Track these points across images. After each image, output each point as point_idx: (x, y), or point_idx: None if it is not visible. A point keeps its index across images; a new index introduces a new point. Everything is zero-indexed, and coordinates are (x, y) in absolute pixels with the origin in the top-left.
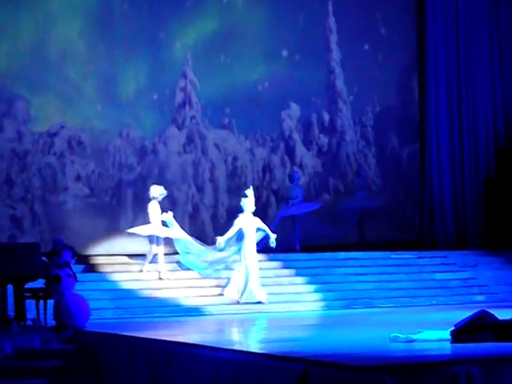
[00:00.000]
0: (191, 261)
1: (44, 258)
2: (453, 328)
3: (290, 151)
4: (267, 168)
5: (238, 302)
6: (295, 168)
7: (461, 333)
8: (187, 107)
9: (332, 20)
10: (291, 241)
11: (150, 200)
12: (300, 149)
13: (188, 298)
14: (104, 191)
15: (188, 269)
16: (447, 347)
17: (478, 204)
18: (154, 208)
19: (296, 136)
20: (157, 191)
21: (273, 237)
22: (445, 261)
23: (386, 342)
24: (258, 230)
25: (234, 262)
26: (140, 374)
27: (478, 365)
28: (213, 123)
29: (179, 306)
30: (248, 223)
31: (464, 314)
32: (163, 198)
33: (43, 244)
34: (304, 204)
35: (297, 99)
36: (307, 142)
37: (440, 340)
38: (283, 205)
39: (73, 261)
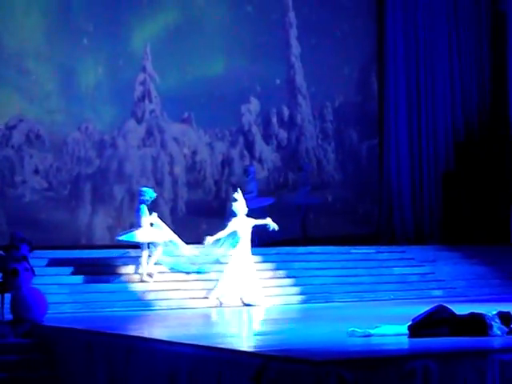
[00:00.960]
0: (177, 263)
1: (1, 252)
2: (410, 323)
3: (249, 146)
4: (226, 162)
5: (220, 305)
6: (253, 162)
7: (418, 327)
8: (146, 101)
9: (292, 15)
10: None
11: (140, 203)
12: (259, 143)
13: (148, 293)
14: (62, 185)
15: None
16: (405, 342)
17: (437, 199)
18: (146, 212)
19: (255, 130)
20: (149, 194)
21: (271, 224)
22: (403, 255)
23: (344, 337)
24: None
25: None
26: (98, 368)
27: (434, 359)
28: (172, 117)
29: (139, 300)
30: (243, 226)
31: (422, 309)
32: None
33: (0, 237)
34: (258, 198)
35: (256, 94)
36: (266, 137)
37: (397, 334)
38: None
39: (30, 254)
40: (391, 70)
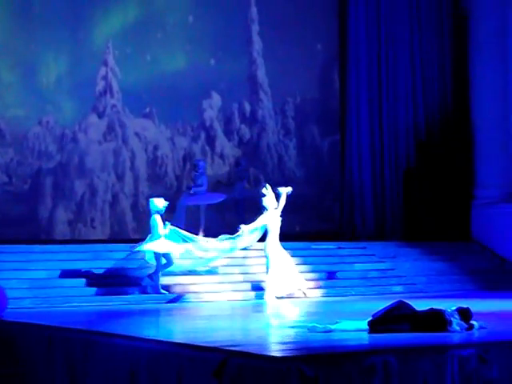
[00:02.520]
0: (187, 265)
1: None
2: (370, 318)
3: (210, 141)
4: (188, 157)
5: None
6: (215, 158)
7: (378, 323)
8: (108, 95)
9: (254, 10)
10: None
11: (151, 213)
12: (221, 139)
13: (111, 288)
14: (23, 179)
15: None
16: (365, 337)
17: (398, 196)
18: (160, 222)
19: (217, 126)
20: (161, 203)
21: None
22: (364, 252)
23: (304, 332)
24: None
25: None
26: (58, 364)
27: (394, 354)
28: (133, 112)
29: (101, 295)
30: (272, 220)
31: (382, 305)
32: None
33: None
34: (209, 194)
35: (218, 89)
36: (228, 132)
37: (358, 330)
38: (184, 194)
39: None
40: (353, 67)
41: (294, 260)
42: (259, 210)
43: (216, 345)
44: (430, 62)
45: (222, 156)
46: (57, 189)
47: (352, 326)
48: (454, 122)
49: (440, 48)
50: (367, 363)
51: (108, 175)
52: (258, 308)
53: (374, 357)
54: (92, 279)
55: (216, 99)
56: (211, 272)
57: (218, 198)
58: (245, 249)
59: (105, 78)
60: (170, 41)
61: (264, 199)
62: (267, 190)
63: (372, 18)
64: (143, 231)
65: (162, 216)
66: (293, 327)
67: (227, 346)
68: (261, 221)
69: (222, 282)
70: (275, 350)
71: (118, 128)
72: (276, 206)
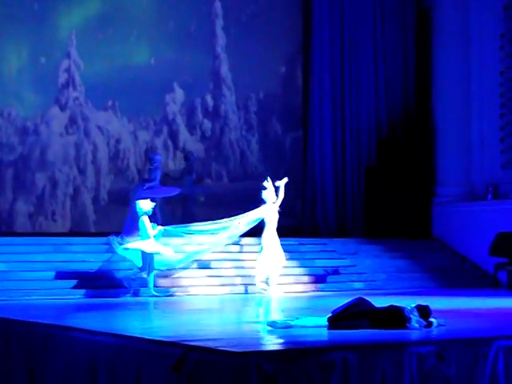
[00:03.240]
0: (164, 261)
1: None
2: (330, 315)
3: (173, 135)
4: (150, 151)
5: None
6: (177, 152)
7: (338, 319)
8: (71, 88)
9: (218, 5)
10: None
11: (138, 216)
12: (183, 133)
13: (70, 281)
14: None
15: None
16: (324, 333)
17: (359, 193)
18: (148, 223)
19: (179, 120)
20: (147, 205)
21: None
22: (325, 248)
23: (263, 328)
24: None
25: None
26: (16, 358)
27: (353, 351)
28: (96, 105)
29: (61, 288)
30: (270, 213)
31: (342, 301)
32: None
33: None
34: (162, 188)
35: (181, 83)
36: (191, 127)
37: (317, 326)
38: (139, 187)
39: None
40: (316, 64)
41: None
42: (209, 204)
43: (175, 339)
44: (393, 60)
45: (184, 150)
46: (18, 181)
47: (311, 322)
48: (415, 120)
49: (403, 46)
50: (326, 359)
51: (69, 168)
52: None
53: (333, 353)
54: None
55: (179, 93)
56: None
57: (172, 192)
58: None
59: (68, 70)
60: (134, 34)
61: (264, 192)
62: (268, 183)
63: (336, 15)
64: (104, 225)
65: (149, 217)
66: (253, 323)
67: (187, 340)
68: (258, 213)
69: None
70: (234, 346)
71: (81, 121)
72: (274, 200)
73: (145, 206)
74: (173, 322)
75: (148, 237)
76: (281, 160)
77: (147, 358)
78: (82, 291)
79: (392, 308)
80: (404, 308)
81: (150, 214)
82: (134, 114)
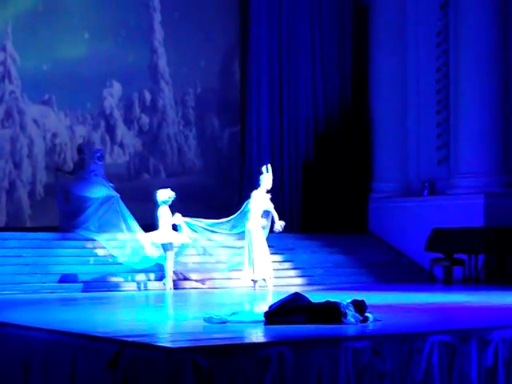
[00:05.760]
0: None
1: None
2: (266, 310)
3: (110, 130)
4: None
5: (254, 281)
6: (114, 147)
7: (274, 315)
8: (6, 81)
9: None
10: None
11: (157, 205)
12: (121, 128)
13: (5, 275)
14: None
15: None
16: (260, 329)
17: (297, 188)
18: (164, 213)
19: (117, 115)
20: (165, 195)
21: (279, 224)
22: None
23: (200, 323)
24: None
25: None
26: None
27: (289, 346)
28: (32, 99)
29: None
30: (259, 199)
31: (279, 296)
32: None
33: None
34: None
35: (119, 78)
36: (128, 121)
37: (254, 322)
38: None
39: None
40: (254, 59)
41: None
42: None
43: (111, 335)
44: (331, 55)
45: (121, 145)
46: None
47: (248, 318)
48: (353, 116)
49: (340, 41)
50: (262, 354)
51: (5, 162)
52: (151, 298)
53: (269, 348)
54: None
55: (116, 88)
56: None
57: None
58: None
59: (3, 63)
60: (71, 27)
61: (261, 176)
62: (268, 168)
63: (274, 9)
64: (40, 219)
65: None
66: (190, 319)
67: (122, 336)
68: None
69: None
70: (169, 341)
71: (16, 114)
72: (269, 187)
73: (161, 195)
74: (112, 317)
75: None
76: (218, 155)
77: (82, 353)
78: (19, 286)
79: (328, 303)
80: (340, 303)
81: (169, 203)
82: (70, 108)
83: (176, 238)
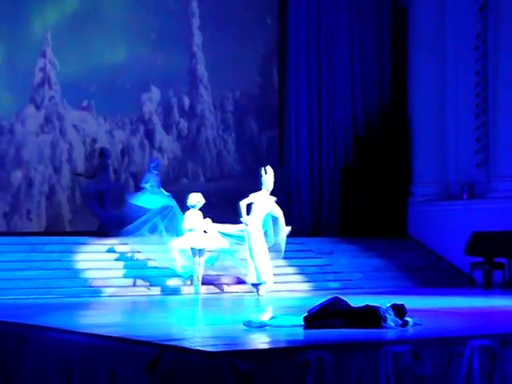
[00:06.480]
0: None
1: None
2: (306, 314)
3: (149, 135)
4: (126, 151)
5: (255, 285)
6: (153, 152)
7: (313, 319)
8: (46, 87)
9: (195, 4)
10: None
11: (187, 208)
12: (160, 132)
13: (44, 280)
14: None
15: None
16: (300, 333)
17: (335, 192)
18: (189, 217)
19: (156, 119)
20: (194, 199)
21: (285, 229)
22: (302, 247)
23: (239, 327)
24: (272, 217)
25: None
26: None
27: (329, 350)
28: (72, 104)
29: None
30: (261, 200)
31: (318, 301)
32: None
33: None
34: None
35: (158, 83)
36: (167, 126)
37: (293, 326)
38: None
39: None
40: (292, 63)
41: None
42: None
43: (150, 339)
44: (369, 59)
45: (160, 150)
46: None
47: (287, 322)
48: (391, 119)
49: (379, 45)
50: (301, 359)
51: (45, 167)
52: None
53: (309, 352)
54: None
55: (155, 93)
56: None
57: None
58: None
59: (43, 69)
60: (110, 33)
61: (263, 176)
62: (269, 169)
63: (312, 14)
64: (79, 224)
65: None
66: (229, 323)
67: (161, 340)
68: (249, 198)
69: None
70: (209, 345)
71: (56, 120)
72: (270, 188)
73: (191, 199)
74: (150, 321)
75: (182, 233)
76: (257, 159)
77: (121, 358)
78: (58, 291)
79: (367, 307)
80: (379, 307)
81: (197, 208)
82: (110, 113)
83: (207, 243)
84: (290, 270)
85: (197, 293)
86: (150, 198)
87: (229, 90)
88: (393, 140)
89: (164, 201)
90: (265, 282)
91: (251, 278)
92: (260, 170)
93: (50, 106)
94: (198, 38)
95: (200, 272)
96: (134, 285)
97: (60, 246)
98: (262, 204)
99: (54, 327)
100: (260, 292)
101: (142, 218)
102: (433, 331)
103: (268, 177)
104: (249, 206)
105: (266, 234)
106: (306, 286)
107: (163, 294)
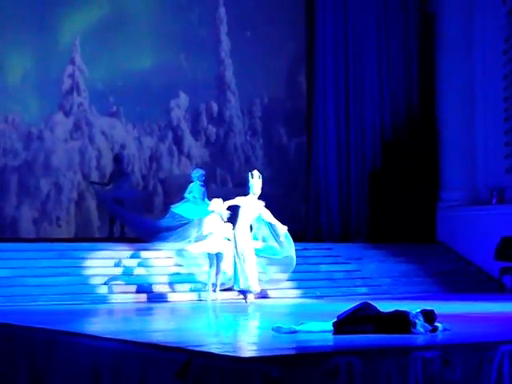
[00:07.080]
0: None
1: None
2: (335, 319)
3: (177, 141)
4: (154, 157)
5: (232, 289)
6: (182, 157)
7: (343, 324)
8: (75, 94)
9: (222, 10)
10: None
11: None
12: (188, 139)
13: (74, 286)
14: None
15: None
16: (329, 338)
17: (364, 197)
18: (208, 222)
19: (184, 126)
20: (214, 205)
21: (283, 229)
22: (330, 253)
23: (269, 333)
24: (263, 222)
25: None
26: (19, 363)
27: (358, 356)
28: (100, 111)
29: (66, 294)
30: (248, 205)
31: (347, 306)
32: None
33: None
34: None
35: (186, 89)
36: (195, 132)
37: (322, 331)
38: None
39: None
40: (320, 68)
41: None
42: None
43: (180, 345)
44: (397, 63)
45: (188, 156)
46: (22, 187)
47: (317, 327)
48: (420, 124)
49: (407, 49)
50: (331, 364)
51: (74, 174)
52: (217, 308)
53: (338, 358)
54: None
55: (183, 99)
56: None
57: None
58: None
59: (71, 76)
60: (138, 39)
61: (251, 180)
62: (256, 174)
63: (339, 19)
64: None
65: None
66: (258, 328)
67: (191, 346)
68: (234, 200)
69: None
70: (239, 351)
71: (85, 126)
72: (258, 192)
73: (212, 204)
74: (180, 326)
75: (202, 237)
76: (285, 165)
77: (151, 363)
78: (87, 296)
79: (397, 313)
80: (409, 312)
81: (217, 214)
82: (138, 120)
83: (223, 247)
84: (318, 275)
85: (212, 299)
86: (192, 208)
87: (256, 96)
88: (421, 144)
89: (206, 213)
90: (253, 291)
91: (241, 285)
92: (288, 176)
93: (79, 112)
94: (225, 45)
95: (218, 278)
96: (167, 291)
97: (89, 253)
98: (249, 209)
99: (84, 333)
100: (248, 299)
101: (183, 228)
102: (462, 337)
103: (255, 181)
104: (236, 212)
105: (272, 248)
106: (334, 292)
107: (189, 300)
